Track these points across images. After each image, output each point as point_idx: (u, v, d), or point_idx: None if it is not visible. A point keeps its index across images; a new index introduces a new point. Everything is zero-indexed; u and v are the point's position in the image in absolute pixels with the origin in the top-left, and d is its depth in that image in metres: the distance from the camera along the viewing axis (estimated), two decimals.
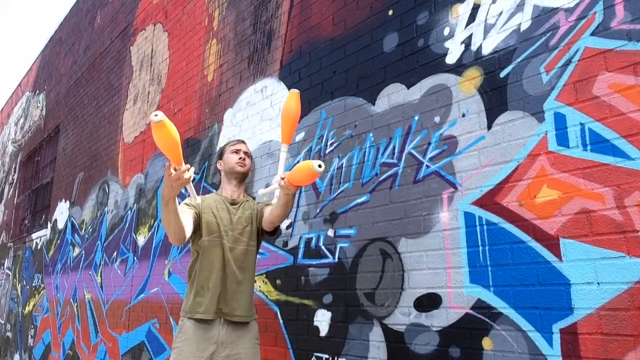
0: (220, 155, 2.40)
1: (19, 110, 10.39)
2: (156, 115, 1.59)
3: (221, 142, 3.83)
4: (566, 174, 1.84)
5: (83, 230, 6.05)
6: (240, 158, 2.30)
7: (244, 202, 2.31)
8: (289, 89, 3.26)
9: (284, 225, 3.06)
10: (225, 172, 2.33)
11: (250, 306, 2.23)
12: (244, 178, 2.34)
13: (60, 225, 6.83)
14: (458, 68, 2.29)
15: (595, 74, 1.83)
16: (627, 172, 1.69)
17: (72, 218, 6.46)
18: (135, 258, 4.70)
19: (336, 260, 2.68)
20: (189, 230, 2.07)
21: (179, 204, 2.07)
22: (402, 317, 2.29)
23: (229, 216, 2.22)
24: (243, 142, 2.40)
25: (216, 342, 2.09)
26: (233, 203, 2.27)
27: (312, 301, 2.76)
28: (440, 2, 2.43)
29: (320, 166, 1.80)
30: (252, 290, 2.26)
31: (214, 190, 3.80)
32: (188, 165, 1.75)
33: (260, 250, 3.19)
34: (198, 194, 1.97)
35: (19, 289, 8.12)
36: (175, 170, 1.71)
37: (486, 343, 1.97)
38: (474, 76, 2.22)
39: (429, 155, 2.33)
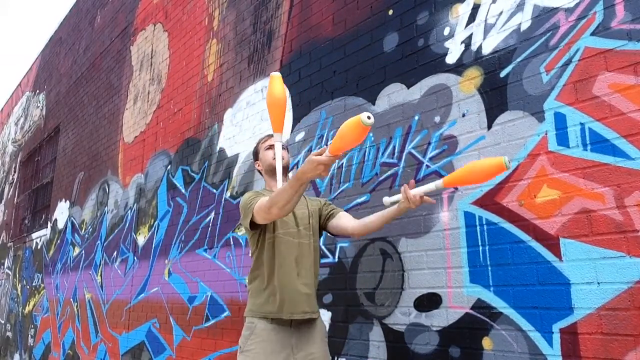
0: (256, 156, 2.27)
1: (19, 110, 10.39)
2: (369, 117, 1.45)
3: (221, 142, 3.83)
4: (566, 174, 1.84)
5: (83, 230, 6.05)
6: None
7: None
8: (289, 88, 3.26)
9: None
10: (266, 171, 2.20)
11: (316, 303, 2.11)
12: (287, 171, 2.21)
13: (60, 225, 6.83)
14: (458, 68, 2.29)
15: (595, 73, 1.83)
16: (627, 172, 1.69)
17: (72, 218, 6.46)
18: (135, 258, 4.70)
19: (336, 260, 2.68)
20: None
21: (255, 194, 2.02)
22: (402, 317, 2.29)
23: (308, 212, 2.14)
24: (273, 136, 2.26)
25: (290, 344, 1.98)
26: None
27: None
28: (440, 2, 2.43)
29: (369, 117, 1.47)
30: (316, 287, 2.13)
31: (215, 191, 3.80)
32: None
33: None
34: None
35: (19, 289, 8.12)
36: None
37: (486, 343, 1.97)
38: (474, 76, 2.22)
39: (429, 155, 2.33)
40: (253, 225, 2.00)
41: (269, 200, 1.83)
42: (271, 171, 2.16)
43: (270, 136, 2.22)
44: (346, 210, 2.68)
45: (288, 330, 1.99)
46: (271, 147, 2.18)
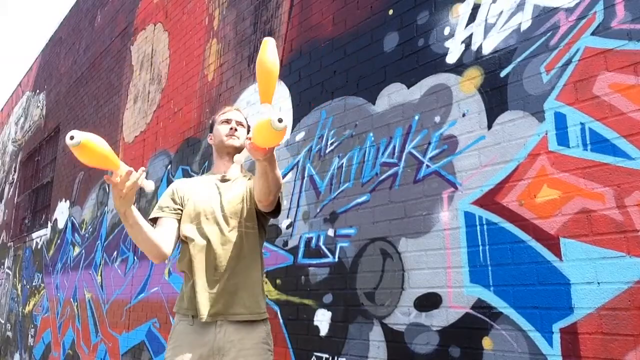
0: (211, 128, 1.99)
1: (19, 110, 10.39)
2: (72, 138, 1.30)
3: None
4: (566, 174, 1.84)
5: (83, 230, 6.05)
6: (232, 129, 1.87)
7: (237, 179, 1.91)
8: (289, 89, 3.26)
9: (284, 225, 3.07)
10: (216, 147, 1.93)
11: (255, 301, 1.80)
12: (237, 152, 1.91)
13: (61, 224, 6.83)
14: (458, 68, 2.29)
15: (595, 73, 1.83)
16: (627, 172, 1.69)
17: (72, 218, 6.46)
18: (135, 258, 4.70)
19: (336, 259, 2.68)
20: (169, 244, 1.75)
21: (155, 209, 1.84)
22: (402, 316, 2.29)
23: (219, 196, 1.85)
24: (235, 109, 1.98)
25: (211, 348, 1.71)
26: (224, 180, 1.88)
27: (312, 301, 2.76)
28: (440, 2, 2.43)
29: (280, 121, 1.34)
30: (257, 281, 1.83)
31: None
32: (129, 169, 1.50)
33: None
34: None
35: (19, 289, 8.12)
36: (118, 177, 1.49)
37: (486, 343, 1.97)
38: (474, 76, 2.22)
39: (429, 155, 2.33)
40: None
41: None
42: (221, 149, 1.91)
43: (233, 109, 1.98)
44: (346, 210, 2.69)
45: (212, 332, 1.72)
46: (228, 121, 1.91)
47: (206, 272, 1.77)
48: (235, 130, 1.89)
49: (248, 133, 1.96)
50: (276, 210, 1.84)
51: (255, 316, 1.78)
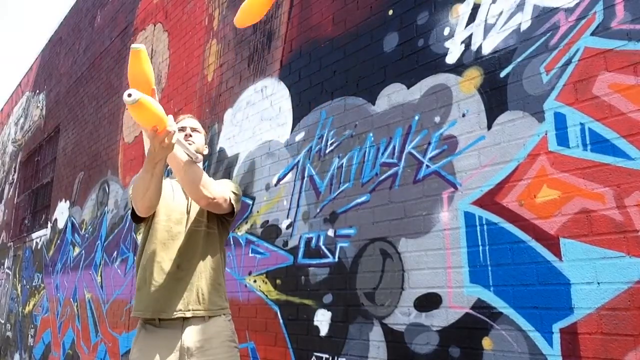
0: None
1: (19, 110, 10.39)
2: (129, 95, 1.36)
3: (221, 142, 3.83)
4: (566, 174, 1.84)
5: (83, 230, 6.05)
6: (187, 135, 1.93)
7: None
8: (289, 89, 3.26)
9: (284, 225, 3.07)
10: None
11: (218, 297, 1.87)
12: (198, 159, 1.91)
13: (60, 225, 6.83)
14: (458, 68, 2.29)
15: (595, 74, 1.83)
16: (627, 172, 1.70)
17: (72, 218, 6.46)
18: (135, 258, 4.70)
19: (336, 260, 2.68)
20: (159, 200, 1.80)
21: None
22: (402, 316, 2.29)
23: (186, 199, 1.94)
24: (189, 116, 2.04)
25: (179, 349, 1.74)
26: None
27: (312, 301, 2.76)
28: (440, 2, 2.43)
29: (129, 95, 1.38)
30: (219, 279, 1.91)
31: None
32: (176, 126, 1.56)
33: (260, 250, 3.20)
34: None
35: (19, 289, 8.12)
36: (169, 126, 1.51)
37: (486, 343, 1.97)
38: (474, 76, 2.22)
39: (429, 155, 2.33)
40: (137, 217, 1.84)
41: (131, 195, 1.75)
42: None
43: (186, 117, 2.01)
44: (346, 210, 2.69)
45: (177, 334, 1.76)
46: (182, 129, 1.94)
47: (169, 270, 1.81)
48: (190, 135, 1.95)
49: (205, 141, 2.09)
50: (231, 213, 1.92)
51: (218, 311, 1.84)
